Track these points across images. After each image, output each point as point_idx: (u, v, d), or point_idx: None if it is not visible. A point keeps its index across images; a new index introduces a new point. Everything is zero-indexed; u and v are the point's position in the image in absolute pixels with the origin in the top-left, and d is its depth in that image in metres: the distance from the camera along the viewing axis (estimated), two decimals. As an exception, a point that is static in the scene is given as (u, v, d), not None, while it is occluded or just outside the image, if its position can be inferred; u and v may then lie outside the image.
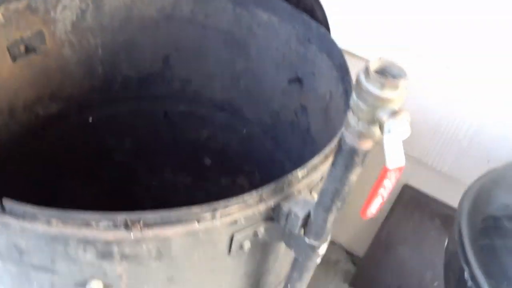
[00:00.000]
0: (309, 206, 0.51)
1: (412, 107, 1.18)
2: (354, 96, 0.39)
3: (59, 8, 0.88)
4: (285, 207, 0.52)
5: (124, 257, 0.49)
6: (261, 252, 0.59)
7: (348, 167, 0.44)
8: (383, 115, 0.37)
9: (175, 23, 1.00)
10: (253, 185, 1.22)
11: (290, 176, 0.53)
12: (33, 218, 0.45)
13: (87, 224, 0.45)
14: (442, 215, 1.28)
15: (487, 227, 0.77)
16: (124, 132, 1.18)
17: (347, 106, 0.73)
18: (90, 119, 1.10)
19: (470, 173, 1.16)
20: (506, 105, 1.02)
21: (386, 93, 0.37)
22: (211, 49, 1.04)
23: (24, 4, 0.82)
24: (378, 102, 0.37)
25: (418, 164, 1.27)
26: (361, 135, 0.40)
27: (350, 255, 1.66)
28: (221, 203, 0.48)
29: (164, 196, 1.33)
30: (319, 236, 0.52)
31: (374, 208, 0.43)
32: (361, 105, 0.38)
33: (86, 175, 1.18)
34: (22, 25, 0.84)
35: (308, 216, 0.51)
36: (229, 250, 0.54)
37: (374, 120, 0.39)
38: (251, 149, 1.16)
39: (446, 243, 0.87)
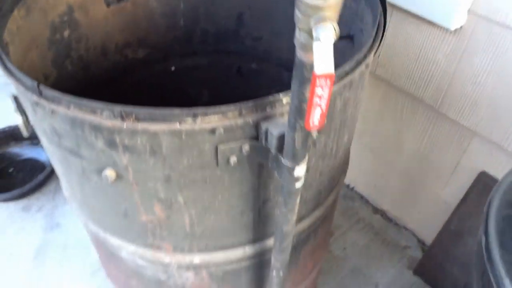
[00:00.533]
0: (285, 127, 0.55)
1: (493, 83, 1.08)
2: (295, 9, 0.42)
3: (148, -38, 1.03)
4: (264, 126, 0.57)
5: (125, 148, 0.59)
6: (250, 171, 0.64)
7: (301, 82, 0.47)
8: (312, 22, 0.40)
9: (248, -19, 1.08)
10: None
11: (272, 98, 0.57)
12: (59, 102, 0.57)
13: (94, 112, 0.56)
14: None
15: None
16: (202, 83, 1.31)
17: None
18: (173, 68, 1.25)
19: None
20: None
21: (314, 1, 0.39)
22: (279, 8, 1.10)
23: (118, -43, 0.98)
24: (309, 10, 0.40)
25: (497, 149, 1.15)
26: (303, 47, 0.43)
27: (421, 242, 1.58)
28: (201, 109, 0.55)
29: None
30: (293, 157, 0.56)
31: (316, 119, 0.46)
32: (299, 14, 0.41)
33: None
34: (116, -25, 1.00)
35: (283, 137, 0.55)
36: (217, 161, 0.61)
37: (310, 31, 0.41)
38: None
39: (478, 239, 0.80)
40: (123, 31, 1.10)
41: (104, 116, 0.56)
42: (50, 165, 1.74)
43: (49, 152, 0.74)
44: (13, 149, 1.86)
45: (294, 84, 0.48)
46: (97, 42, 1.05)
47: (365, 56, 0.67)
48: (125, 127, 0.56)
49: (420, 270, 1.48)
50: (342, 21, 0.94)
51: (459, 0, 1.01)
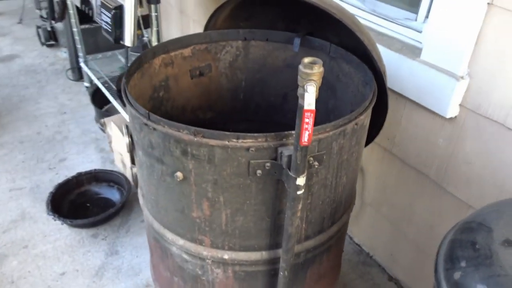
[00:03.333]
0: (292, 151, 0.88)
1: (481, 164, 1.33)
2: (298, 75, 0.77)
3: (223, 52, 1.47)
4: (280, 149, 0.90)
5: (192, 156, 0.94)
6: (270, 184, 0.96)
7: (299, 118, 0.80)
8: (304, 82, 0.75)
9: (293, 70, 1.48)
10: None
11: (287, 132, 0.91)
12: (157, 123, 0.95)
13: (178, 130, 0.93)
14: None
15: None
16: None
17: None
18: (230, 130, 1.64)
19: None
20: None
21: (306, 70, 0.74)
22: (314, 91, 1.47)
23: (204, 47, 1.43)
24: (303, 75, 0.75)
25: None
26: (301, 96, 0.78)
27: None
28: (242, 134, 0.89)
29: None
30: (296, 170, 0.87)
31: (305, 137, 0.78)
32: (299, 78, 0.77)
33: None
34: (201, 58, 1.44)
35: (290, 156, 0.88)
36: (248, 172, 0.94)
37: (304, 86, 0.76)
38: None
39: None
40: (198, 98, 1.52)
41: (184, 133, 0.92)
42: (119, 204, 2.12)
43: (141, 163, 1.10)
44: (93, 188, 2.29)
45: (297, 120, 0.82)
46: (179, 103, 1.47)
47: (355, 117, 0.99)
48: (195, 140, 0.91)
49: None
50: (356, 101, 1.28)
51: (451, 95, 1.33)
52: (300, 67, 0.76)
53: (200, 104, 1.54)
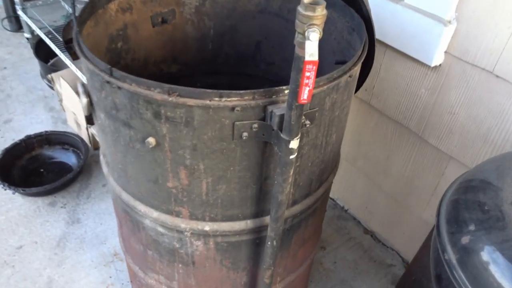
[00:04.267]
0: (284, 109, 0.76)
1: (465, 114, 1.28)
2: (296, 19, 0.64)
3: (188, -4, 1.29)
4: (269, 108, 0.78)
5: (166, 119, 0.80)
6: (257, 148, 0.84)
7: (297, 71, 0.68)
8: (305, 27, 0.62)
9: (267, 16, 1.33)
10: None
11: (278, 88, 0.78)
12: (124, 80, 0.79)
13: (149, 88, 0.78)
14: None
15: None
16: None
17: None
18: (198, 84, 1.49)
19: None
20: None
21: (308, 12, 0.61)
22: (290, 38, 1.33)
23: (165, -10, 1.24)
24: (303, 19, 0.62)
25: (469, 171, 1.34)
26: (299, 45, 0.65)
27: (405, 262, 1.73)
28: (226, 92, 0.76)
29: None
30: (289, 132, 0.77)
31: (305, 95, 0.67)
32: (297, 22, 0.64)
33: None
34: (162, 3, 1.26)
35: (283, 116, 0.76)
36: (233, 136, 0.82)
37: (303, 33, 0.63)
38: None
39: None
40: (161, 49, 1.34)
41: (156, 91, 0.78)
42: (77, 168, 1.95)
43: (103, 127, 0.95)
44: (46, 152, 2.09)
45: (292, 73, 0.70)
46: (141, 55, 1.29)
47: (349, 69, 0.88)
48: (170, 100, 0.77)
49: (401, 285, 1.62)
50: (340, 49, 1.17)
51: (437, 41, 1.24)
52: (299, 9, 0.62)
53: (163, 55, 1.37)
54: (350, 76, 0.89)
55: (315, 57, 0.63)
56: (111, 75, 0.81)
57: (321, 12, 0.62)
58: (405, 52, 1.34)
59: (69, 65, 2.19)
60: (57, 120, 2.34)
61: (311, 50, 0.62)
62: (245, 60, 1.44)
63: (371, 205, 1.78)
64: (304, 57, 0.65)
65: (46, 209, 1.88)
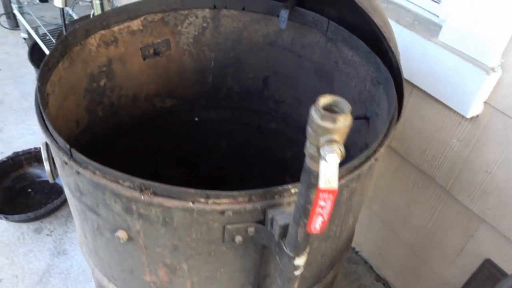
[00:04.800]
0: (290, 219, 0.58)
1: (504, 175, 1.09)
2: (307, 125, 0.46)
3: (186, 23, 1.10)
4: (270, 213, 0.60)
5: (140, 215, 0.63)
6: (254, 250, 0.67)
7: (309, 186, 0.50)
8: (321, 141, 0.44)
9: (276, 49, 1.14)
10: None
11: (281, 188, 0.61)
12: (85, 166, 0.62)
13: (116, 181, 0.61)
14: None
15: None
16: (222, 135, 1.36)
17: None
18: (196, 119, 1.31)
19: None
20: None
21: (325, 124, 0.43)
22: (303, 77, 1.15)
23: (159, 17, 1.06)
24: (319, 130, 0.44)
25: (503, 240, 1.15)
26: (312, 157, 0.47)
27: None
28: (214, 192, 0.59)
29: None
30: (294, 248, 0.59)
31: (317, 224, 0.49)
32: (309, 130, 0.45)
33: (185, 167, 1.39)
34: (155, 33, 1.08)
35: (287, 227, 0.59)
36: (223, 239, 0.64)
37: (319, 145, 0.45)
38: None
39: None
40: (154, 82, 1.17)
41: (125, 185, 0.60)
42: (67, 190, 1.80)
43: (69, 201, 0.78)
44: (34, 170, 1.93)
45: (302, 186, 0.52)
46: (129, 91, 1.12)
47: (374, 151, 0.70)
48: (142, 198, 0.60)
49: None
50: (361, 101, 0.98)
51: (476, 90, 1.04)
52: (314, 115, 0.44)
53: (157, 90, 1.19)
54: (376, 159, 0.71)
55: (334, 185, 0.45)
56: (70, 156, 0.64)
57: (343, 123, 0.44)
58: (435, 97, 1.15)
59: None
60: (50, 132, 2.18)
61: (328, 176, 0.44)
62: (251, 95, 1.26)
63: (385, 252, 1.60)
64: (317, 182, 0.47)
65: (31, 236, 1.73)
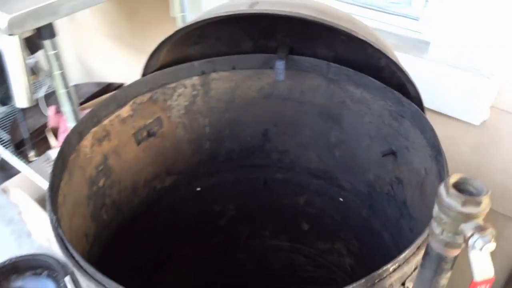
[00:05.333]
0: (402, 304, 0.52)
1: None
2: (436, 208, 0.40)
3: (175, 96, 1.02)
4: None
5: None
6: None
7: (437, 271, 0.44)
8: (467, 230, 0.38)
9: (273, 101, 1.08)
10: (351, 251, 1.22)
11: (381, 271, 0.54)
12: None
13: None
14: None
15: None
16: (228, 199, 1.28)
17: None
18: (198, 189, 1.22)
19: None
20: None
21: (468, 209, 0.38)
22: (306, 122, 1.10)
23: (148, 97, 0.97)
24: (460, 217, 0.38)
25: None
26: (447, 244, 0.41)
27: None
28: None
29: (265, 258, 1.38)
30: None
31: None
32: (444, 218, 0.40)
33: (195, 238, 1.29)
34: (145, 114, 0.99)
35: (401, 314, 0.52)
36: None
37: (458, 232, 0.39)
38: (347, 216, 1.17)
39: None
40: (151, 165, 1.07)
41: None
42: (59, 296, 1.61)
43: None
44: (14, 284, 1.72)
45: (426, 272, 0.45)
46: (128, 182, 1.02)
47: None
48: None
49: None
50: (381, 137, 0.95)
51: (479, 97, 1.04)
52: (449, 201, 0.38)
53: (154, 172, 1.09)
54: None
55: (490, 274, 0.39)
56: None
57: (487, 204, 0.38)
58: (443, 113, 1.14)
59: (20, 169, 1.85)
60: (21, 234, 1.97)
61: (483, 267, 0.38)
62: (252, 152, 1.19)
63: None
64: (453, 261, 0.41)
65: None
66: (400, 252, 0.92)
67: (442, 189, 0.39)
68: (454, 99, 1.09)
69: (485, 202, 0.37)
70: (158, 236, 1.18)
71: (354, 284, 0.53)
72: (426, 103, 1.15)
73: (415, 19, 1.15)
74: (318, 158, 1.14)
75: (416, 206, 0.87)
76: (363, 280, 0.53)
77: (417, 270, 0.46)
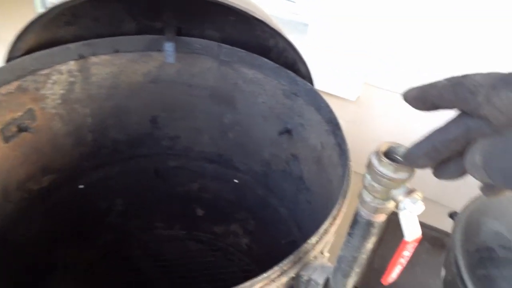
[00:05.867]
0: (327, 272, 0.54)
1: (389, 131, 1.24)
2: (368, 177, 0.42)
3: (49, 84, 0.89)
4: (305, 276, 0.54)
5: None
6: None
7: (365, 237, 0.47)
8: (397, 195, 0.41)
9: (161, 85, 1.03)
10: (247, 231, 1.24)
11: (306, 245, 0.55)
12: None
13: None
14: (430, 238, 1.33)
15: (482, 257, 0.81)
16: (115, 194, 1.18)
17: (340, 158, 0.78)
18: (81, 186, 1.10)
19: (451, 195, 1.22)
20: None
21: (400, 175, 0.40)
22: (197, 105, 1.07)
23: (15, 86, 0.83)
24: (392, 183, 0.41)
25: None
26: (376, 210, 0.44)
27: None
28: (247, 283, 0.50)
29: (161, 252, 1.32)
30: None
31: (395, 274, 0.46)
32: (376, 186, 0.42)
33: (80, 240, 1.17)
34: (13, 106, 0.84)
35: (327, 281, 0.54)
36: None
37: (388, 198, 0.42)
38: (243, 197, 1.18)
39: (443, 274, 0.91)
40: (23, 164, 0.92)
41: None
42: None
43: None
44: None
45: (354, 239, 0.48)
46: (-3, 187, 0.86)
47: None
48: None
49: (356, 311, 1.57)
50: (274, 116, 0.97)
51: (355, 75, 1.14)
52: (382, 169, 0.40)
53: (27, 172, 0.95)
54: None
55: (418, 233, 0.42)
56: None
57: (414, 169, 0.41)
58: (323, 91, 1.21)
59: None
60: None
61: (412, 226, 0.42)
62: (141, 140, 1.11)
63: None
64: (380, 225, 0.44)
65: None
66: (298, 224, 0.96)
67: (374, 159, 0.41)
68: (333, 78, 1.17)
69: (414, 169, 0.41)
70: (36, 245, 1.03)
71: (285, 261, 0.53)
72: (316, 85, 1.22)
73: (292, 1, 1.20)
74: (212, 141, 1.13)
75: (313, 179, 0.92)
76: (291, 257, 0.54)
77: (343, 242, 0.49)
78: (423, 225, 1.33)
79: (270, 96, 0.96)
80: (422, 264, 1.38)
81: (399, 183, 0.41)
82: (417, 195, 0.41)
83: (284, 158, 1.00)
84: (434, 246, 1.34)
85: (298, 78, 0.86)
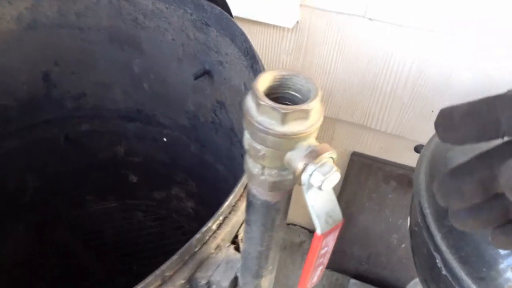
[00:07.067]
0: (234, 269, 0.37)
1: (343, 70, 1.06)
2: (247, 135, 0.25)
3: None
4: (202, 279, 0.38)
5: None
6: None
7: (267, 225, 0.30)
8: (296, 160, 0.23)
9: (43, 31, 0.80)
10: (190, 193, 1.07)
11: (201, 234, 0.38)
12: None
13: None
14: (397, 176, 1.20)
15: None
16: (22, 170, 0.99)
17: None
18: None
19: (416, 128, 1.08)
20: (443, 51, 0.92)
21: (292, 127, 0.22)
22: (96, 53, 0.86)
23: None
24: (283, 141, 0.23)
25: (361, 129, 1.17)
26: (273, 187, 0.27)
27: (312, 232, 1.57)
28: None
29: (97, 226, 1.16)
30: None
31: (316, 277, 0.30)
32: (261, 148, 0.24)
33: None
34: None
35: (235, 282, 0.38)
36: None
37: (284, 165, 0.25)
38: (177, 156, 1.01)
39: (408, 223, 0.78)
40: None
41: None
42: None
43: None
44: None
45: (253, 229, 0.31)
46: None
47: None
48: None
49: (325, 259, 1.48)
50: (190, 55, 0.77)
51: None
52: (262, 120, 0.23)
53: None
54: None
55: (338, 218, 0.25)
56: None
57: (318, 113, 0.23)
58: (255, 20, 1.01)
59: None
60: None
61: (328, 209, 0.25)
62: (36, 104, 0.90)
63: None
64: (282, 206, 0.27)
65: None
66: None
67: (250, 102, 0.23)
68: (264, 3, 0.96)
69: (316, 110, 0.23)
70: None
71: (168, 262, 0.37)
72: (238, 12, 1.01)
73: None
74: (126, 96, 0.93)
75: (243, 130, 0.75)
76: (176, 256, 0.37)
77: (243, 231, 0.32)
78: (387, 162, 1.21)
79: (179, 31, 0.75)
80: (390, 206, 1.27)
81: (295, 140, 0.23)
82: (328, 158, 0.23)
83: (210, 107, 0.82)
84: (401, 184, 1.22)
85: (204, 1, 0.65)
